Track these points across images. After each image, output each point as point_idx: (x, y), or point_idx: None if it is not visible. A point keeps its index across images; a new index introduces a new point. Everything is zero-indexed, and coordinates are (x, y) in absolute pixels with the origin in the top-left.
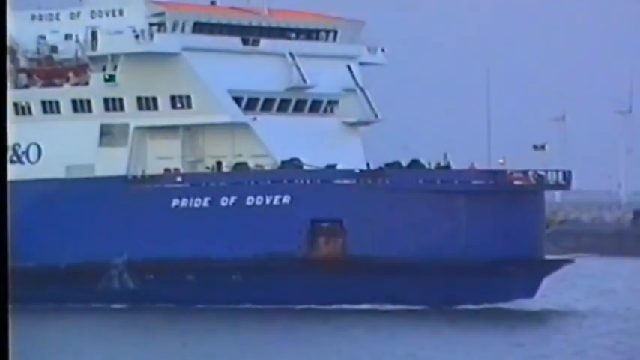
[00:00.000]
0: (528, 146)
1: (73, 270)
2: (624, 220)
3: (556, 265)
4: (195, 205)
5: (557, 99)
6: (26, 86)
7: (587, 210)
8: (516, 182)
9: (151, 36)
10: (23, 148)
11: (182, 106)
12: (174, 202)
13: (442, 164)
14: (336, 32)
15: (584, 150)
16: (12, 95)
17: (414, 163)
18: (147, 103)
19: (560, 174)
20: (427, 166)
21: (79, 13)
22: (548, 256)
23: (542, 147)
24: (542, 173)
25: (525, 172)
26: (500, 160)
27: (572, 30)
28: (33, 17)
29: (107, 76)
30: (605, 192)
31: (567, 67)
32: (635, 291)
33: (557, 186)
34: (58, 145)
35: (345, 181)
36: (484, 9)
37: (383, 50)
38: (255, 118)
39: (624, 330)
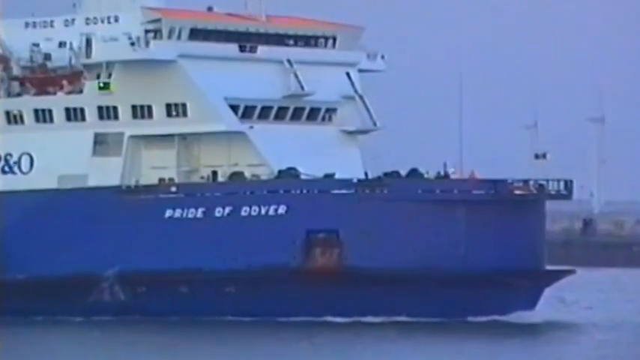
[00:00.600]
0: (499, 153)
1: (64, 282)
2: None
3: (557, 276)
4: (190, 215)
5: (530, 106)
6: (19, 95)
7: (559, 219)
8: (517, 192)
9: (147, 43)
10: (15, 157)
11: (178, 115)
12: (168, 213)
13: (442, 173)
14: (334, 38)
15: (556, 158)
16: (4, 104)
17: (413, 172)
18: (142, 112)
19: (562, 183)
20: (426, 175)
21: (73, 20)
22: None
23: (544, 155)
24: (544, 182)
25: (526, 182)
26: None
27: (546, 37)
28: (27, 24)
29: (102, 84)
30: (577, 201)
31: (540, 74)
32: (603, 302)
33: (558, 195)
34: (51, 155)
35: (343, 191)
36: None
37: (383, 57)
38: (252, 127)
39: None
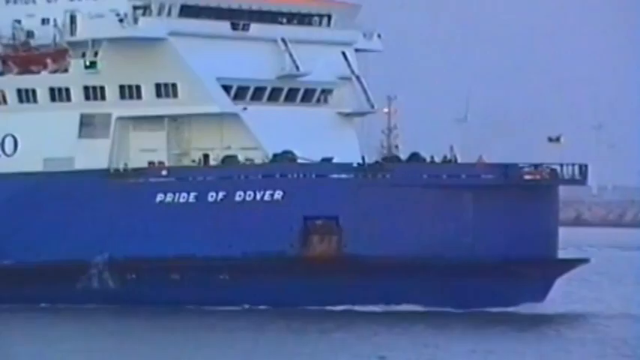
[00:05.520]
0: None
1: (51, 269)
2: None
3: (570, 265)
4: (181, 200)
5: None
6: (1, 74)
7: None
8: (527, 177)
9: (135, 20)
10: None
11: (168, 95)
12: (159, 197)
13: (448, 157)
14: (330, 17)
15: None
16: None
17: (414, 157)
18: (130, 92)
19: (576, 168)
20: (429, 159)
21: None
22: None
23: (557, 139)
24: (556, 167)
25: (537, 166)
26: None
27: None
28: (7, 1)
29: (88, 63)
30: None
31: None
32: None
33: (572, 181)
34: (35, 137)
35: (342, 176)
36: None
37: (379, 36)
38: (245, 108)
39: None
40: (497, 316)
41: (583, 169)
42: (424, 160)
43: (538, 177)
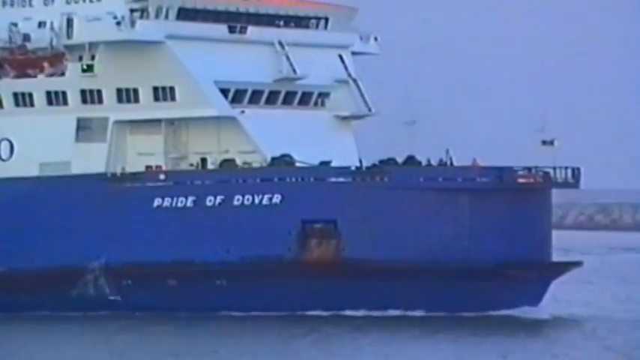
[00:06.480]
0: None
1: (46, 275)
2: None
3: (564, 268)
4: (179, 204)
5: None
6: None
7: None
8: (521, 180)
9: (133, 23)
10: None
11: (165, 99)
12: (157, 202)
13: (444, 160)
14: (327, 19)
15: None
16: None
17: (410, 160)
18: (127, 96)
19: (569, 171)
20: (425, 162)
21: None
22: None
23: (551, 142)
24: (549, 170)
25: (530, 169)
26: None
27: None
28: (3, 3)
29: (85, 67)
30: None
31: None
32: None
33: (565, 184)
34: (32, 141)
35: (340, 179)
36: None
37: (376, 39)
38: (243, 112)
39: None
40: (494, 320)
41: (576, 172)
42: (419, 162)
43: (532, 180)
